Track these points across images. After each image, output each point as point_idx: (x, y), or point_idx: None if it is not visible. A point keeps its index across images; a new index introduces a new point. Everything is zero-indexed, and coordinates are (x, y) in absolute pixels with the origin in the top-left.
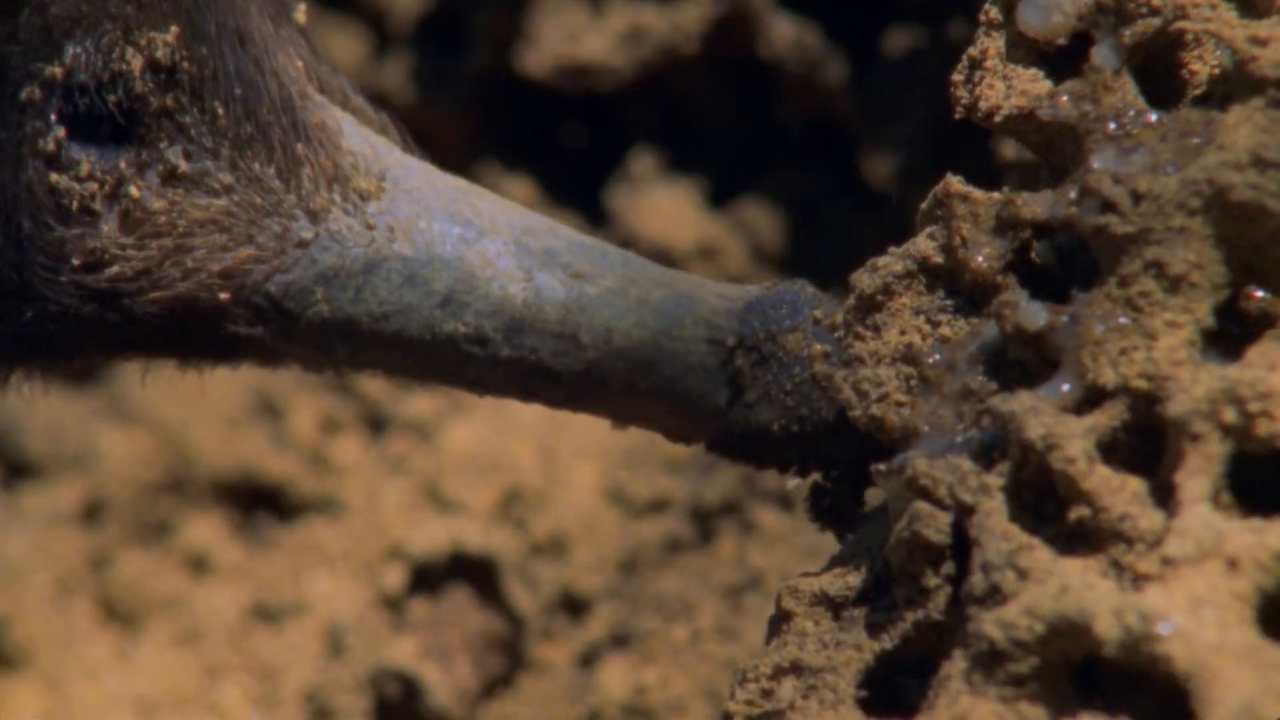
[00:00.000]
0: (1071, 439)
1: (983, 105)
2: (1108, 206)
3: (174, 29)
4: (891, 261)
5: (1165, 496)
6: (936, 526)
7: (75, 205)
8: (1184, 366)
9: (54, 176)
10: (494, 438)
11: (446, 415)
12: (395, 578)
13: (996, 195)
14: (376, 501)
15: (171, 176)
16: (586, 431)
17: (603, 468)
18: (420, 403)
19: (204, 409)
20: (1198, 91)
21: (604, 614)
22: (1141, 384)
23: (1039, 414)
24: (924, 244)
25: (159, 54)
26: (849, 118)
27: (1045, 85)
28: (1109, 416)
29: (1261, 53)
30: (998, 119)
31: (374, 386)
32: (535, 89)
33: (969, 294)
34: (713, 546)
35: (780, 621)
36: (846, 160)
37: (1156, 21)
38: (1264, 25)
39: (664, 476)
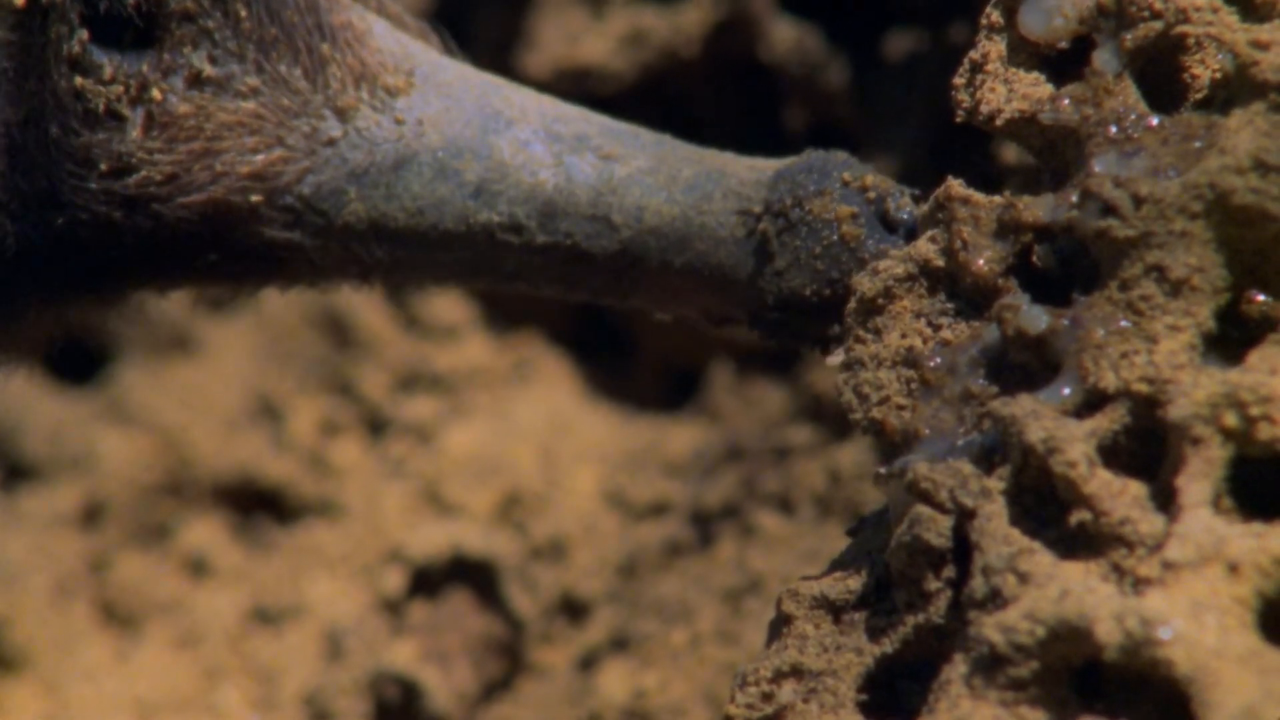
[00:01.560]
0: (1072, 442)
1: (984, 109)
2: (1109, 210)
3: None
4: (892, 264)
5: (1166, 500)
6: (937, 530)
7: (101, 109)
8: (1185, 370)
9: (79, 80)
10: (494, 441)
11: (446, 418)
12: (395, 581)
13: (997, 199)
14: (376, 504)
15: (197, 81)
16: (586, 435)
17: (602, 471)
18: (420, 405)
19: (203, 411)
20: (1199, 95)
21: (603, 617)
22: (1142, 388)
23: (1040, 417)
24: (925, 247)
25: None
26: (850, 121)
27: (1046, 89)
28: (1110, 420)
29: (1263, 57)
30: (999, 122)
31: (374, 388)
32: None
33: (970, 297)
34: (712, 550)
35: (780, 625)
36: None
37: (1158, 25)
38: (1265, 29)
39: (663, 480)
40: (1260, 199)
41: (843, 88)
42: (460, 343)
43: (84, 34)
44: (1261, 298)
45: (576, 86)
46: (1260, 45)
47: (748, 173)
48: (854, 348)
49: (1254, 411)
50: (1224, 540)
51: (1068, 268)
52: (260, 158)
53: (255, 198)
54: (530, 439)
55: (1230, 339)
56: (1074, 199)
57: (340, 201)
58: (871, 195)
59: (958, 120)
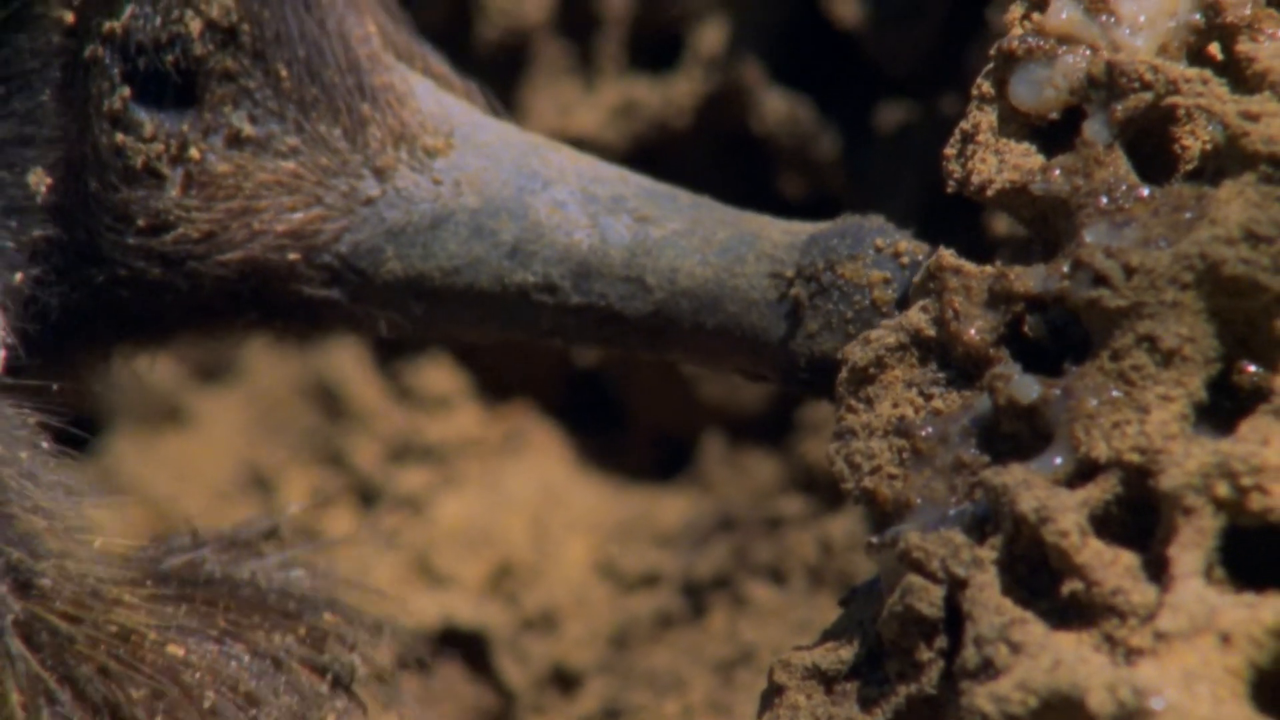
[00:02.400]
0: (1064, 512)
1: (975, 179)
2: (1100, 280)
3: None
4: (884, 334)
5: (1158, 570)
6: (929, 600)
7: (140, 166)
8: (1177, 440)
9: (119, 137)
10: (485, 512)
11: (437, 489)
12: (385, 651)
13: (989, 269)
14: (367, 575)
15: (237, 140)
16: (578, 506)
17: (594, 542)
18: (411, 476)
19: (194, 482)
20: (1189, 166)
21: (595, 689)
22: (1134, 457)
23: (1031, 487)
24: (916, 316)
25: (216, 15)
26: (842, 191)
27: (1037, 160)
28: (1102, 490)
29: (1253, 128)
30: (990, 193)
31: (365, 459)
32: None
33: (961, 367)
34: (704, 621)
35: (772, 695)
36: None
37: (1148, 96)
38: (1255, 101)
39: (655, 551)
40: (1251, 270)
41: (834, 158)
42: (451, 413)
43: (126, 91)
44: (1253, 368)
45: None
46: (1250, 117)
47: (782, 236)
48: (845, 417)
49: (1246, 481)
50: (1216, 610)
51: (1059, 338)
52: (298, 216)
53: (293, 256)
54: (521, 509)
55: (1222, 409)
56: (1065, 269)
57: (378, 260)
58: (905, 260)
59: (949, 191)
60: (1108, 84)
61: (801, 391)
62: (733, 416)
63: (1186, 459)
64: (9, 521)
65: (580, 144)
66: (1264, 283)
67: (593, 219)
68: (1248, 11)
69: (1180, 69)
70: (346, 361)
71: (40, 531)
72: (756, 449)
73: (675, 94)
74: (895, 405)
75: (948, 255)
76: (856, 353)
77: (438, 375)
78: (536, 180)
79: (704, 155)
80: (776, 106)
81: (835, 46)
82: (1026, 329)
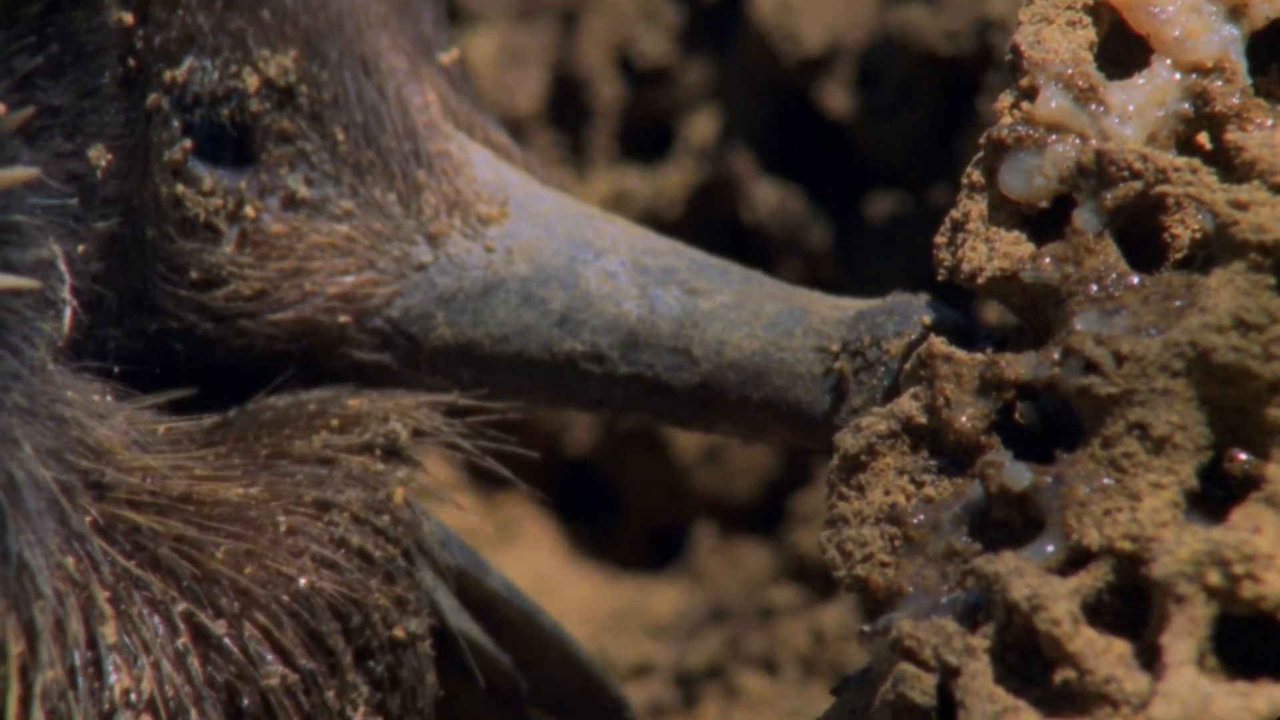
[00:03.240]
0: (1056, 600)
1: (965, 267)
2: (1091, 367)
3: (293, 52)
4: (875, 421)
5: (1151, 659)
6: (921, 688)
7: (199, 219)
8: (1168, 528)
9: (180, 188)
10: None
11: None
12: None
13: (980, 356)
14: None
15: (292, 202)
16: (570, 596)
17: (587, 632)
18: None
19: None
20: (1179, 254)
21: None
22: (1126, 545)
23: (1023, 575)
24: (907, 404)
25: (274, 74)
26: (834, 280)
27: (1028, 248)
28: (1094, 578)
29: (1242, 216)
30: (980, 281)
31: None
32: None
33: (953, 454)
34: (696, 711)
35: None
36: None
37: (1138, 185)
38: (1244, 190)
39: (647, 641)
40: (1241, 357)
41: (826, 248)
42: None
43: (187, 143)
44: (1244, 456)
45: None
46: (1239, 205)
47: (830, 311)
48: (837, 505)
49: (1238, 570)
50: (1209, 699)
51: (1050, 425)
52: (350, 279)
53: (344, 318)
54: None
55: (1213, 497)
56: (1056, 356)
57: (428, 326)
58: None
59: (940, 279)
60: (1098, 173)
61: None
62: (724, 506)
63: (1178, 547)
64: (79, 436)
65: None
66: (1254, 370)
67: (642, 289)
68: (1236, 101)
69: (1169, 158)
70: None
71: (105, 440)
72: (748, 539)
73: (666, 184)
74: (887, 493)
75: (938, 342)
76: (848, 440)
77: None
78: (588, 250)
79: (695, 245)
80: (767, 197)
81: (825, 137)
82: (1018, 416)
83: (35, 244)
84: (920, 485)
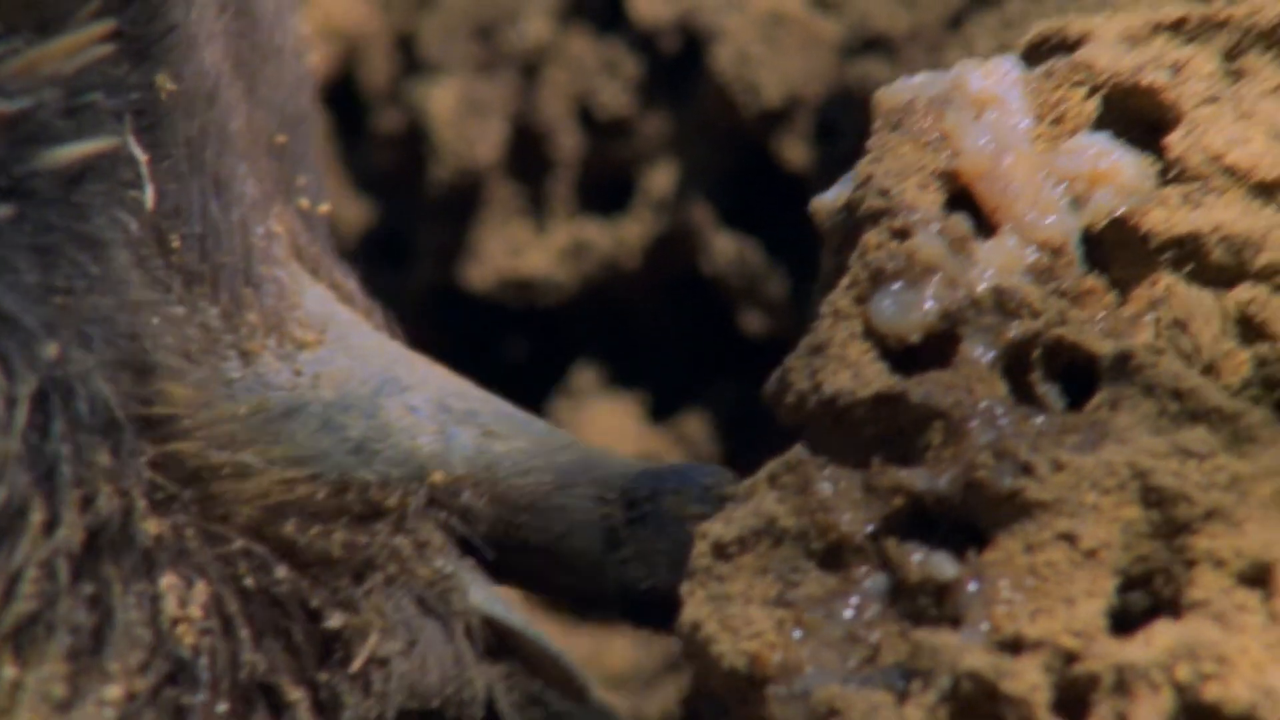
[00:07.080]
0: (1025, 671)
1: (826, 390)
2: (1026, 471)
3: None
4: (744, 515)
5: None
6: None
7: None
8: (1099, 635)
9: None
10: None
11: None
12: None
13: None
14: None
15: None
16: None
17: None
18: None
19: None
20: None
21: None
22: (1066, 640)
23: (972, 650)
24: (772, 507)
25: None
26: (791, 331)
27: (893, 379)
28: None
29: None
30: (841, 403)
31: None
32: (478, 302)
33: (831, 552)
34: None
35: None
36: None
37: (1037, 324)
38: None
39: (605, 691)
40: (1180, 482)
41: (784, 300)
42: None
43: None
44: (1167, 574)
45: (520, 297)
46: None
47: (620, 466)
48: (720, 583)
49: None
50: None
51: (953, 526)
52: None
53: None
54: None
55: (1133, 613)
56: (983, 459)
57: None
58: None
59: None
60: (995, 308)
61: (624, 620)
62: None
63: (1115, 652)
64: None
65: (531, 285)
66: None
67: (442, 426)
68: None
69: (1065, 303)
70: None
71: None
72: None
73: (626, 235)
74: (765, 583)
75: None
76: (718, 529)
77: None
78: (396, 385)
79: (654, 295)
80: (726, 248)
81: (785, 189)
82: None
83: None
84: (794, 585)
